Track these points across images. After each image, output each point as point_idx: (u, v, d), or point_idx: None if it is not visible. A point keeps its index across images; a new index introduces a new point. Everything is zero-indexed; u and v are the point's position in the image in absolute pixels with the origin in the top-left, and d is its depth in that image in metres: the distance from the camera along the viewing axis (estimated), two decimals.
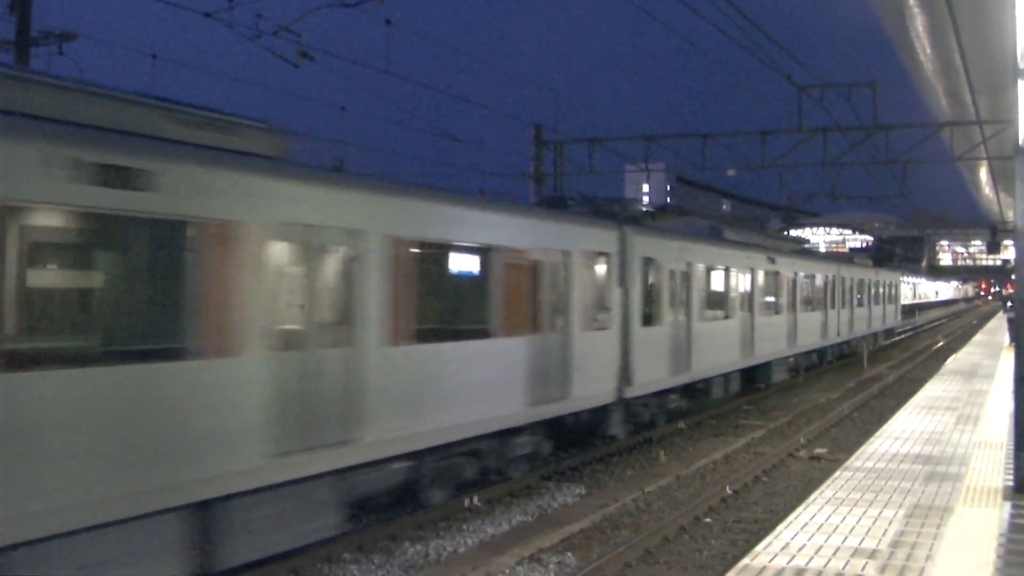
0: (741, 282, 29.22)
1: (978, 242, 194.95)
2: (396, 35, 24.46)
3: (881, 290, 54.91)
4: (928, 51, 24.53)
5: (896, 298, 62.05)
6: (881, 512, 11.46)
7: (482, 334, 15.81)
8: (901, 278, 71.45)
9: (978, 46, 21.28)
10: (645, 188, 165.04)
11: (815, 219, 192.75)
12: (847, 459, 15.50)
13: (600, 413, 20.28)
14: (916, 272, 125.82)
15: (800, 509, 11.66)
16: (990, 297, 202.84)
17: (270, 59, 21.79)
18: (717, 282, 27.37)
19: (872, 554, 9.61)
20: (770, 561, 9.32)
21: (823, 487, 13.00)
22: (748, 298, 29.92)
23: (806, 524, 10.83)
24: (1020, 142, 12.76)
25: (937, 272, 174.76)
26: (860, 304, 48.52)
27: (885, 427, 18.78)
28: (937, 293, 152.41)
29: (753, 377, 32.33)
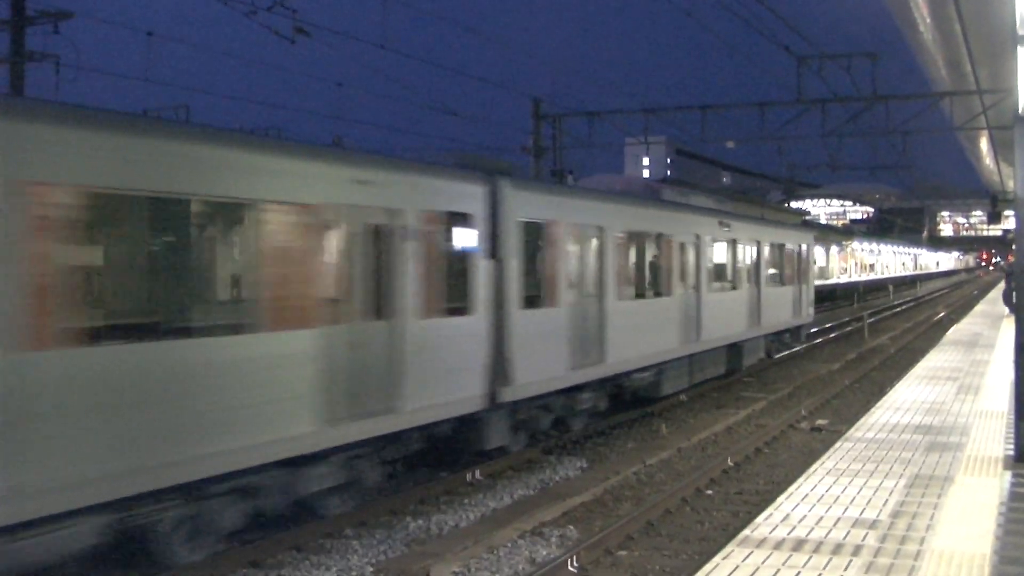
0: None
1: (979, 212, 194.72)
2: (392, 9, 24.36)
3: (758, 265, 30.59)
4: (927, 20, 24.42)
5: (803, 277, 36.30)
6: (882, 482, 11.47)
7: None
8: (815, 241, 42.76)
9: (978, 14, 21.17)
10: (645, 161, 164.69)
11: (815, 191, 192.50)
12: (848, 430, 15.51)
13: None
14: (888, 238, 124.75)
15: (801, 480, 11.67)
16: (991, 268, 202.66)
17: (266, 35, 21.72)
18: None
19: (872, 524, 9.62)
20: (771, 532, 9.33)
21: (824, 458, 13.00)
22: None
23: (807, 495, 10.84)
24: (1020, 110, 12.71)
25: (938, 243, 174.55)
26: (693, 286, 25.12)
27: (886, 398, 18.80)
28: (938, 264, 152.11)
29: None
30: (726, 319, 27.51)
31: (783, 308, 33.46)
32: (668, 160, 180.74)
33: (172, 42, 27.98)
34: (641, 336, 21.75)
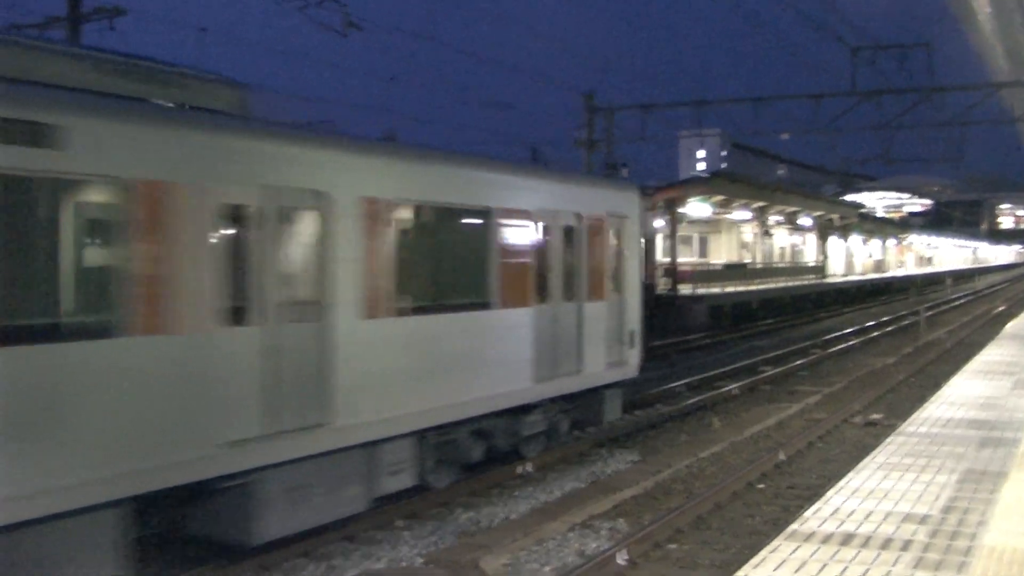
0: None
1: None
2: (442, 3, 24.43)
3: (322, 264, 12.12)
4: (986, 9, 24.11)
5: (602, 283, 18.13)
6: (934, 477, 11.35)
7: None
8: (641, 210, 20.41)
9: None
10: (699, 154, 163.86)
11: (871, 183, 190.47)
12: (902, 425, 15.37)
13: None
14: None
15: (851, 475, 11.58)
16: None
17: (317, 30, 21.86)
18: None
19: (923, 519, 9.53)
20: (819, 526, 9.28)
21: (875, 453, 12.90)
22: None
23: (857, 489, 10.76)
24: None
25: (997, 236, 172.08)
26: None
27: (941, 392, 18.58)
28: (997, 257, 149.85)
29: None
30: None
31: (491, 362, 15.29)
32: (723, 153, 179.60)
33: (225, 37, 28.26)
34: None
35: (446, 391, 14.22)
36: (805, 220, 67.82)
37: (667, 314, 44.01)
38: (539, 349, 16.31)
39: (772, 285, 55.59)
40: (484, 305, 15.22)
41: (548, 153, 20.40)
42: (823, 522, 9.44)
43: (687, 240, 56.58)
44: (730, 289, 49.59)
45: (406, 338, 13.29)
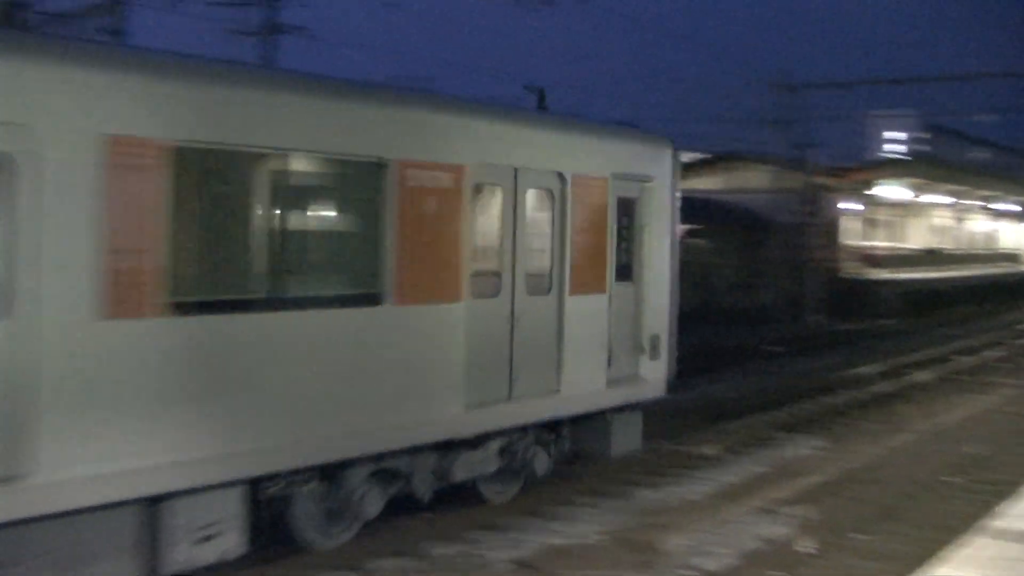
0: None
1: None
2: None
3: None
4: None
5: (630, 267, 14.18)
6: None
7: None
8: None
9: None
10: (888, 135, 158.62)
11: None
12: None
13: None
14: None
15: None
16: None
17: (513, 6, 22.07)
18: None
19: None
20: (1014, 524, 8.99)
21: None
22: None
23: None
24: None
25: None
26: None
27: None
28: None
29: None
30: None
31: (379, 383, 10.69)
32: (921, 135, 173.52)
33: (419, 11, 28.92)
34: None
35: (297, 423, 9.79)
36: (1004, 205, 65.34)
37: (855, 299, 43.16)
38: (476, 361, 11.71)
39: (966, 272, 53.81)
40: (368, 299, 10.55)
41: (731, 131, 19.95)
42: (1018, 520, 9.16)
43: (877, 224, 55.26)
44: (922, 275, 48.23)
45: (202, 346, 9.01)
